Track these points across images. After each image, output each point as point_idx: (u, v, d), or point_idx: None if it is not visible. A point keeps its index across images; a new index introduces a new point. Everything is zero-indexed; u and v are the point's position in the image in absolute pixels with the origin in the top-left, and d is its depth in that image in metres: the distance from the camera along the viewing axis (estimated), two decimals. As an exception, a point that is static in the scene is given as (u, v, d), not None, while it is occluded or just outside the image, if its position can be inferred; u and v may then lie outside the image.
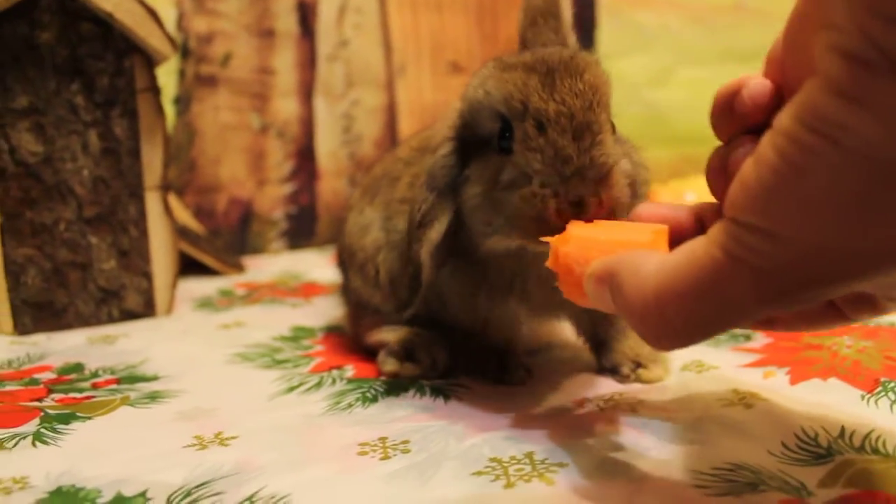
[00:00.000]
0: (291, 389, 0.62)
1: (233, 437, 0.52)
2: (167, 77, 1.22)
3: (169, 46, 0.84)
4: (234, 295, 0.99)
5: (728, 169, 0.41)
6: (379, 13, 1.39)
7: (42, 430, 0.54)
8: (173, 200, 1.09)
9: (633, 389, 0.60)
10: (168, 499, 0.43)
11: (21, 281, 0.81)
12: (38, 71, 0.79)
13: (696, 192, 1.11)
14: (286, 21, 1.31)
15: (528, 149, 0.49)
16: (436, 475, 0.45)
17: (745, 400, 0.55)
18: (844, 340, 0.66)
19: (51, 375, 0.67)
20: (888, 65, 0.27)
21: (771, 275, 0.31)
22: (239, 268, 1.15)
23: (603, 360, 0.64)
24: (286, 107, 1.32)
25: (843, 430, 0.49)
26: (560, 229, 0.46)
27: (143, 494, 0.44)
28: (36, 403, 0.60)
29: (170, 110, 1.23)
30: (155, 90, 0.86)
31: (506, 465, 0.46)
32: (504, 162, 0.51)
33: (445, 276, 0.59)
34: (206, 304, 0.94)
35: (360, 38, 1.38)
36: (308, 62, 1.34)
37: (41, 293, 0.82)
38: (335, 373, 0.66)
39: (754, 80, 0.41)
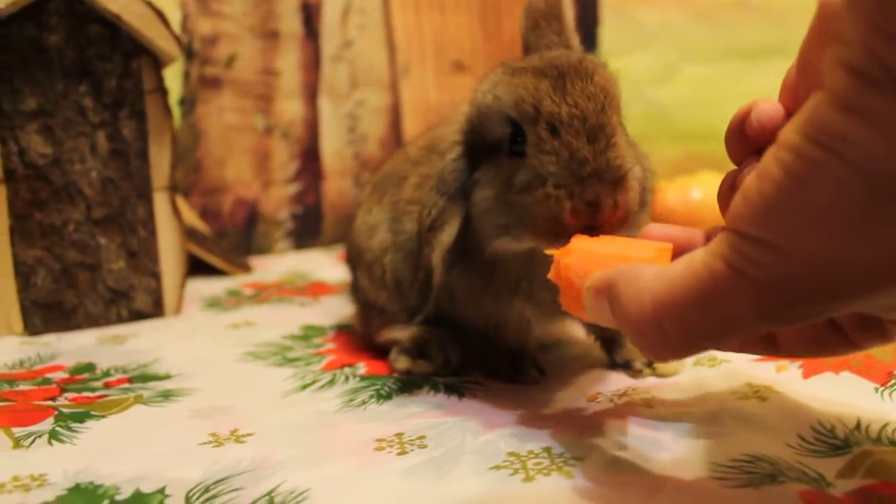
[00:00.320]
0: (305, 387, 0.62)
1: (249, 434, 0.52)
2: (172, 79, 1.21)
3: (176, 47, 0.84)
4: (241, 295, 0.99)
5: (736, 189, 0.41)
6: (382, 13, 1.39)
7: (57, 428, 0.54)
8: (179, 201, 1.09)
9: (645, 384, 0.60)
10: (187, 495, 0.43)
11: (31, 282, 0.81)
12: (46, 73, 0.79)
13: (703, 188, 1.11)
14: (290, 22, 1.31)
15: (541, 151, 0.49)
16: (454, 470, 0.45)
17: (759, 393, 0.55)
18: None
19: (63, 375, 0.67)
20: (892, 82, 0.27)
21: (771, 288, 0.31)
22: (246, 268, 1.15)
23: (615, 355, 0.64)
24: (291, 108, 1.32)
25: (858, 422, 0.49)
26: (575, 230, 0.46)
27: (161, 491, 0.44)
28: (50, 402, 0.60)
29: (175, 112, 1.22)
30: (162, 91, 0.86)
31: (524, 459, 0.46)
32: (517, 165, 0.51)
33: (455, 277, 0.59)
34: (214, 303, 0.94)
35: (363, 39, 1.38)
36: (312, 63, 1.34)
37: (51, 294, 0.82)
38: (347, 370, 0.66)
39: (763, 103, 0.41)
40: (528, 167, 0.50)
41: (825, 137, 0.29)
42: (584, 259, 0.43)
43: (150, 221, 0.86)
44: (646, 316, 0.35)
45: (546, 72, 0.51)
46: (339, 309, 0.86)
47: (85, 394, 0.62)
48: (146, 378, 0.66)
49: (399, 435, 0.51)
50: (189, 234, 1.02)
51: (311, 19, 1.33)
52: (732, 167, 0.45)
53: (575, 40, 0.60)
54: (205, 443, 0.51)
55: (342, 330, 0.80)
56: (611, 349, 0.65)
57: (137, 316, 0.86)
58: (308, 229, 1.35)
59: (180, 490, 0.44)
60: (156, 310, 0.87)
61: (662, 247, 0.43)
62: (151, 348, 0.75)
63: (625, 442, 0.49)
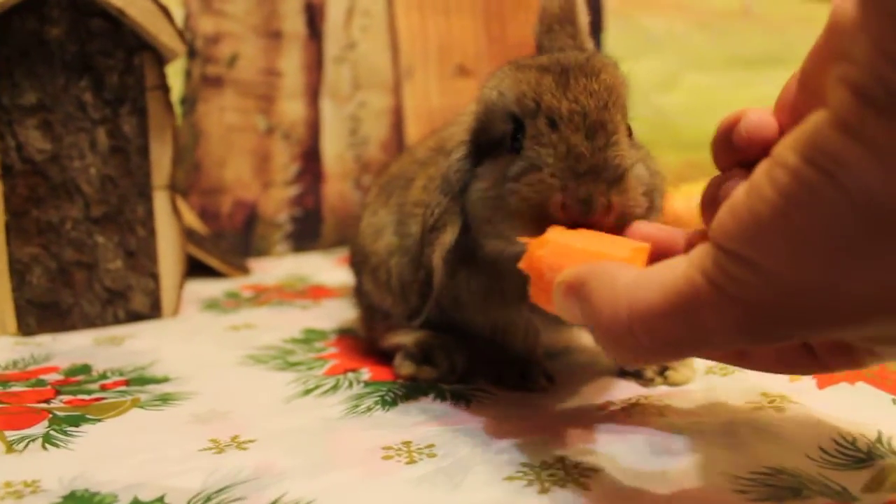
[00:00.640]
0: (308, 392, 0.60)
1: (250, 441, 0.50)
2: (173, 77, 1.19)
3: (180, 44, 0.82)
4: (240, 297, 0.97)
5: (719, 199, 0.40)
6: (386, 16, 1.38)
7: (51, 432, 0.52)
8: (179, 202, 1.07)
9: (657, 393, 0.58)
10: (187, 504, 0.41)
11: (26, 280, 0.79)
12: (46, 67, 0.78)
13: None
14: (293, 22, 1.30)
15: (539, 144, 0.48)
16: (465, 480, 0.44)
17: (774, 403, 0.54)
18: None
19: (58, 377, 0.65)
20: (894, 108, 0.26)
21: (749, 308, 0.30)
22: (244, 270, 1.13)
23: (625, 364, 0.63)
24: (292, 109, 1.31)
25: (879, 434, 0.48)
26: (560, 224, 0.45)
27: (160, 499, 0.42)
28: (44, 405, 0.58)
29: (175, 111, 1.21)
30: (164, 88, 0.84)
31: (538, 470, 0.45)
32: (514, 159, 0.50)
33: (461, 282, 0.58)
34: (212, 305, 0.93)
35: (367, 41, 1.37)
36: (315, 64, 1.33)
37: (46, 293, 0.80)
38: (351, 376, 0.64)
39: (753, 112, 0.40)
40: (524, 158, 0.48)
41: (821, 158, 0.28)
42: (558, 252, 0.42)
43: (149, 220, 0.85)
44: (618, 319, 0.34)
45: (550, 68, 0.50)
46: (341, 312, 0.85)
47: (80, 396, 0.60)
48: (144, 381, 0.64)
49: (407, 443, 0.49)
50: (187, 234, 1.00)
51: (314, 20, 1.32)
52: None
53: (589, 44, 0.58)
54: (205, 449, 0.49)
55: (344, 334, 0.78)
56: (620, 357, 0.63)
57: (134, 317, 0.84)
58: (307, 232, 1.33)
59: (180, 499, 0.42)
60: (153, 311, 0.85)
61: (639, 246, 0.42)
62: (149, 350, 0.73)
63: (640, 452, 0.47)
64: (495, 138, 0.52)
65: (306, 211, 1.33)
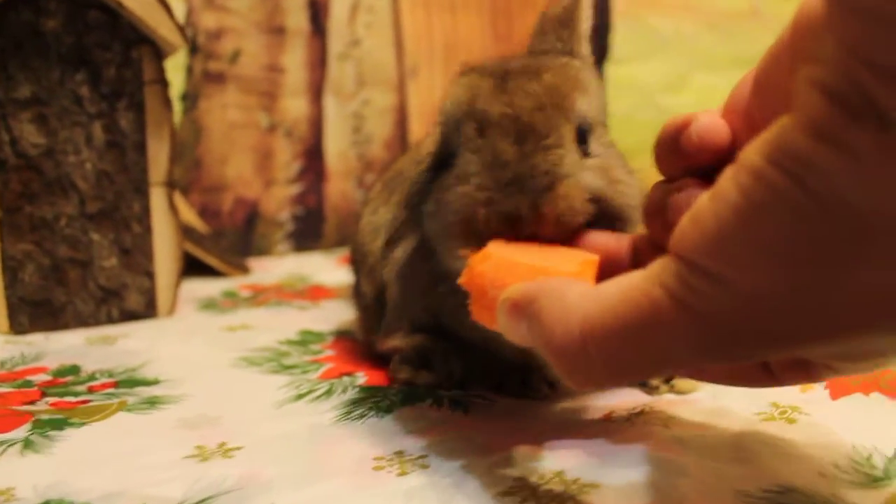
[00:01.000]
0: (300, 397, 0.58)
1: (237, 448, 0.48)
2: (175, 73, 1.19)
3: (179, 37, 0.81)
4: (238, 297, 0.96)
5: (668, 210, 0.37)
6: (391, 13, 1.36)
7: (32, 436, 0.50)
8: (179, 199, 1.06)
9: (662, 402, 0.56)
10: (166, 515, 0.40)
11: (18, 277, 0.78)
12: (42, 60, 0.76)
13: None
14: (297, 18, 1.28)
15: (468, 150, 0.44)
16: (457, 495, 0.42)
17: (786, 414, 0.51)
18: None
19: (46, 377, 0.64)
20: (872, 114, 0.24)
21: (714, 324, 0.28)
22: (244, 269, 1.11)
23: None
24: (295, 106, 1.29)
25: (897, 450, 0.45)
26: (488, 240, 0.42)
27: (138, 510, 0.40)
28: (28, 407, 0.56)
29: (176, 107, 1.20)
30: (163, 83, 0.83)
31: (533, 485, 0.43)
32: (451, 169, 0.46)
33: (441, 297, 0.55)
34: (209, 305, 0.91)
35: (372, 38, 1.35)
36: (318, 61, 1.31)
37: (39, 291, 0.79)
38: (346, 380, 0.62)
39: (704, 115, 0.37)
40: (455, 167, 0.45)
41: (789, 161, 0.26)
42: (500, 267, 0.39)
43: (145, 218, 0.83)
44: (572, 340, 0.31)
45: (493, 71, 0.46)
46: (339, 314, 0.83)
47: (67, 398, 0.58)
48: (133, 383, 0.62)
49: (399, 453, 0.47)
50: (186, 232, 0.99)
51: (318, 16, 1.30)
52: None
53: (583, 49, 0.55)
54: (189, 456, 0.47)
55: (342, 336, 0.76)
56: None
57: (129, 316, 0.83)
58: (309, 231, 1.32)
59: (159, 509, 0.40)
60: (148, 310, 0.84)
61: (588, 259, 0.39)
62: (142, 350, 0.71)
63: (643, 466, 0.45)
64: (452, 148, 0.48)
65: (308, 210, 1.32)
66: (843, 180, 0.25)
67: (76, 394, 0.59)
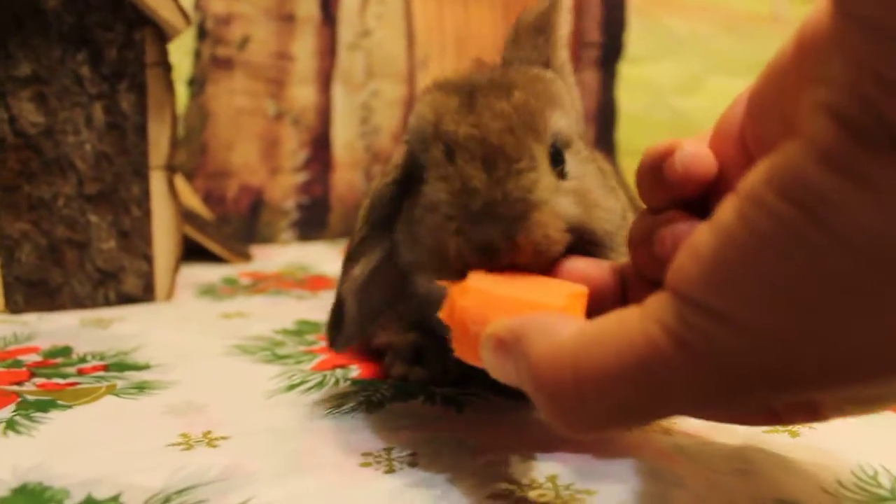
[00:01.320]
0: (291, 388, 0.57)
1: (223, 438, 0.47)
2: (182, 58, 1.18)
3: (182, 19, 0.80)
4: (238, 284, 0.95)
5: (655, 244, 0.35)
6: (403, 4, 1.35)
7: (17, 417, 0.49)
8: (183, 184, 1.05)
9: (662, 408, 0.54)
10: (144, 504, 0.39)
11: (15, 257, 0.77)
12: (42, 38, 0.75)
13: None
14: (308, 6, 1.27)
15: (437, 177, 0.41)
16: (446, 496, 0.40)
17: (790, 428, 0.50)
18: None
19: (36, 358, 0.63)
20: (886, 136, 0.22)
21: (716, 365, 0.26)
22: (246, 256, 1.10)
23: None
24: (303, 94, 1.28)
25: (904, 468, 0.43)
26: (463, 273, 0.39)
27: (115, 499, 0.39)
28: (15, 387, 0.55)
29: (183, 92, 1.19)
30: (165, 65, 0.81)
31: (526, 488, 0.41)
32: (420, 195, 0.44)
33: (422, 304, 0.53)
34: (208, 291, 0.90)
35: (382, 29, 1.33)
36: (328, 50, 1.30)
37: (35, 271, 0.78)
38: (339, 372, 0.61)
39: (689, 144, 0.35)
40: (424, 195, 0.42)
41: (801, 195, 0.23)
42: (482, 301, 0.36)
43: (144, 201, 0.82)
44: (564, 381, 0.29)
45: (461, 88, 0.43)
46: (337, 305, 0.82)
47: (55, 380, 0.57)
48: (123, 367, 0.61)
49: (388, 450, 0.46)
50: (189, 217, 0.98)
51: (329, 4, 1.29)
52: None
53: (560, 57, 0.51)
54: (173, 444, 0.46)
55: (338, 328, 0.75)
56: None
57: (126, 299, 0.82)
58: (314, 221, 1.31)
59: (137, 498, 0.39)
60: (146, 294, 0.83)
61: (576, 291, 0.37)
62: (135, 334, 0.70)
63: (641, 474, 0.43)
64: (419, 170, 0.45)
65: (314, 199, 1.31)
66: (867, 215, 0.23)
67: (65, 375, 0.58)
